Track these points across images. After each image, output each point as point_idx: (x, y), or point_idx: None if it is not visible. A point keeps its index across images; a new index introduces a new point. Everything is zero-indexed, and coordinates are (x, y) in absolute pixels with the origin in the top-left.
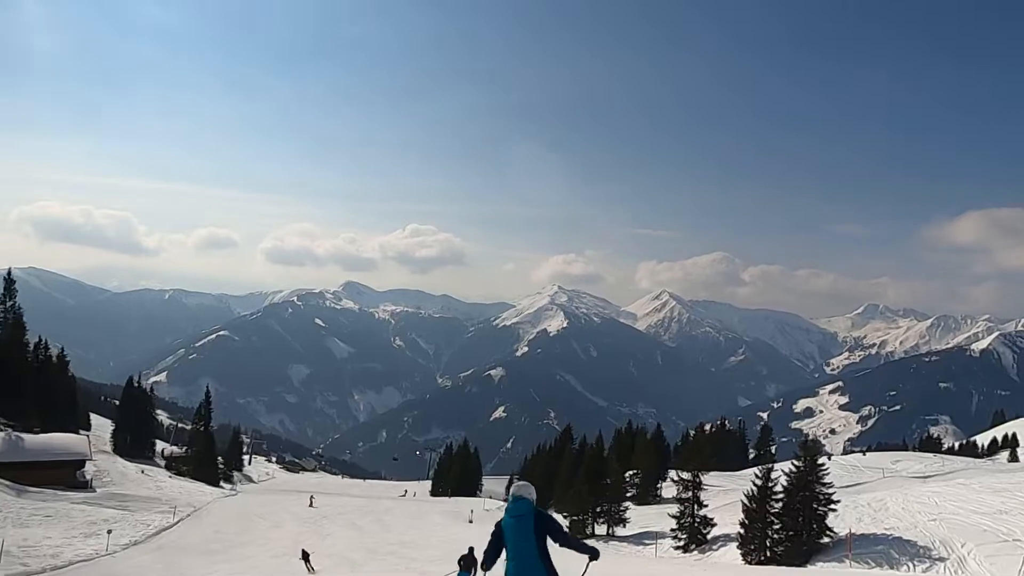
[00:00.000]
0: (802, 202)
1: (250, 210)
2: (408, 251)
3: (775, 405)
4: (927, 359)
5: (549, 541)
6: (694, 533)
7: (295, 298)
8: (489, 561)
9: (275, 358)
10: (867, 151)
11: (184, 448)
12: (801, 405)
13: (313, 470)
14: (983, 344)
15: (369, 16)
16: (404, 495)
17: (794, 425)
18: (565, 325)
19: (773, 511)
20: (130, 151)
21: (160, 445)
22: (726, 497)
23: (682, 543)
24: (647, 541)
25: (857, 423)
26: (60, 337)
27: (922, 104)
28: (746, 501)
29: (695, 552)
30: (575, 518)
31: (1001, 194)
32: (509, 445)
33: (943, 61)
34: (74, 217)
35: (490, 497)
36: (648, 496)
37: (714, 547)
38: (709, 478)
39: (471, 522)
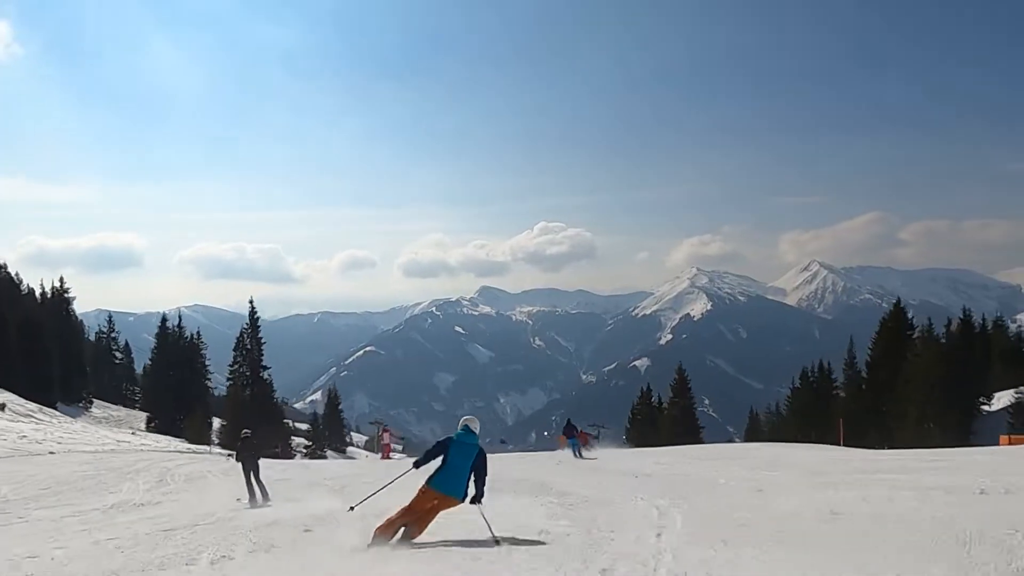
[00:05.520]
0: (967, 142)
1: (383, 229)
2: (538, 250)
3: None
4: None
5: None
6: None
7: (434, 308)
8: (423, 461)
9: (420, 368)
10: None
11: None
12: None
13: None
14: None
15: (478, 5)
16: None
17: None
18: (709, 308)
19: None
20: (269, 183)
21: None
22: None
23: None
24: None
25: None
26: (223, 365)
27: None
28: None
29: None
30: None
31: None
32: None
33: None
34: (227, 255)
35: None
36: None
37: None
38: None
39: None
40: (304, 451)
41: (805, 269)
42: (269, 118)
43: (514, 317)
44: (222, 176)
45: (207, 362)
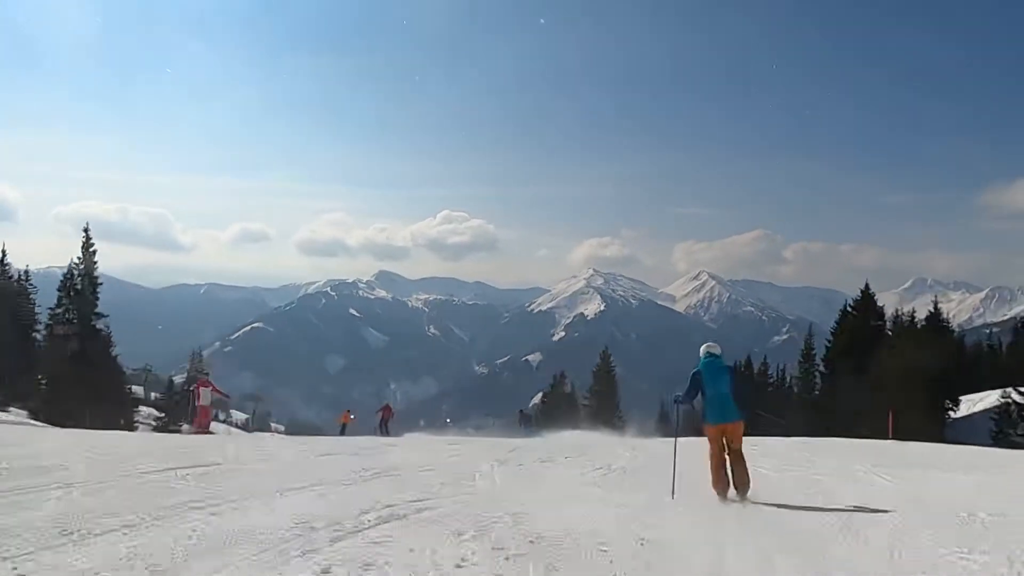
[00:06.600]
0: (848, 172)
1: (282, 203)
2: (440, 238)
3: None
4: (985, 331)
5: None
6: None
7: (329, 289)
8: (684, 400)
9: (311, 349)
10: (922, 116)
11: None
12: None
13: None
14: None
15: None
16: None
17: None
18: (603, 309)
19: None
20: (162, 146)
21: None
22: None
23: None
24: None
25: None
26: None
27: (978, 64)
28: None
29: None
30: None
31: None
32: None
33: (1001, 23)
34: (111, 216)
35: None
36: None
37: None
38: None
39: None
40: (154, 424)
41: (695, 278)
42: (168, 77)
43: (410, 303)
44: (111, 132)
45: (37, 310)
